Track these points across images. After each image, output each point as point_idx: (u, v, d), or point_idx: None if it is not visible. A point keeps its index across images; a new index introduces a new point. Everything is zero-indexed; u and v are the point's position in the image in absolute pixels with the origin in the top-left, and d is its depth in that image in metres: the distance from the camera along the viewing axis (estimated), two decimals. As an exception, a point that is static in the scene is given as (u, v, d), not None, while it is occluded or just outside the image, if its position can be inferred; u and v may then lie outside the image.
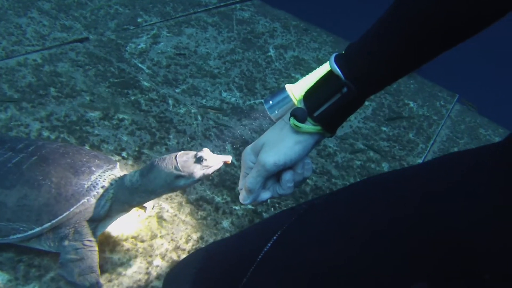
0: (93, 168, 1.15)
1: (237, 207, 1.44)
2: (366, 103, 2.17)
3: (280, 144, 0.81)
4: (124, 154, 1.51)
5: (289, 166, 0.83)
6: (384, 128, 2.05)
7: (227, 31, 2.44)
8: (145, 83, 1.87)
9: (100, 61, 1.92)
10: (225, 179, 1.52)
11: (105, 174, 1.15)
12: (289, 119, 0.80)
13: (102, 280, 1.13)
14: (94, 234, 1.13)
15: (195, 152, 1.07)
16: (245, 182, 0.85)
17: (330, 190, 1.62)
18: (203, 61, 2.13)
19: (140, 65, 1.97)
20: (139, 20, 2.30)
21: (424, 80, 2.54)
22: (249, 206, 1.46)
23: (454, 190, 0.72)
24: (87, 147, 1.48)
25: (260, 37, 2.48)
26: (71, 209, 1.08)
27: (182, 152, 1.09)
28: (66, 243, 1.08)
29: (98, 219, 1.14)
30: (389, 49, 0.74)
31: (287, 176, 0.84)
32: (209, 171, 1.08)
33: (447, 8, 0.67)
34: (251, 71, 2.16)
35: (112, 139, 1.55)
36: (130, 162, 1.48)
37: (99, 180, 1.13)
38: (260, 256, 0.81)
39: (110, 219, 1.16)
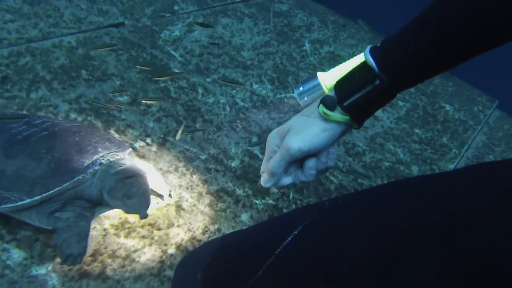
0: (99, 149, 1.15)
1: (257, 201, 1.42)
2: (400, 103, 2.12)
3: (307, 130, 0.81)
4: (148, 140, 1.51)
5: (313, 153, 0.82)
6: (417, 130, 1.99)
7: (263, 23, 2.41)
8: (176, 71, 1.86)
9: (134, 46, 1.92)
10: (248, 172, 1.50)
11: (109, 155, 1.15)
12: (319, 106, 0.79)
13: (115, 264, 1.13)
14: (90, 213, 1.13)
15: (139, 188, 1.11)
16: (268, 165, 0.85)
17: (355, 190, 1.58)
18: (236, 52, 2.12)
19: (173, 52, 1.97)
20: (175, 7, 2.29)
21: (462, 83, 2.46)
22: (270, 201, 1.43)
23: (483, 207, 0.69)
24: (112, 131, 1.48)
25: (296, 30, 2.45)
26: (64, 185, 1.07)
27: (132, 180, 1.12)
28: (58, 214, 1.08)
29: (92, 200, 1.13)
30: (425, 45, 0.72)
31: (311, 163, 0.83)
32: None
33: (489, 5, 0.65)
34: (284, 64, 2.13)
35: (138, 125, 1.55)
36: (154, 148, 1.48)
37: (100, 159, 1.13)
38: (279, 250, 0.80)
39: (107, 206, 1.16)
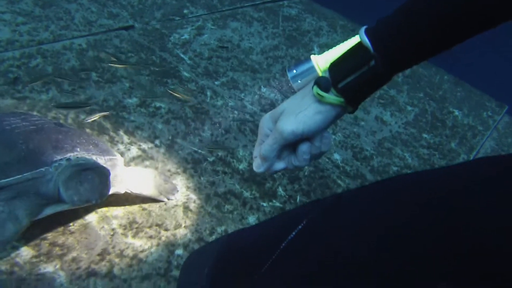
0: (77, 149, 1.12)
1: (264, 204, 1.42)
2: (409, 108, 2.12)
3: (300, 113, 0.79)
4: (157, 142, 1.52)
5: (307, 137, 0.81)
6: (425, 135, 1.98)
7: (272, 27, 2.42)
8: (185, 74, 1.87)
9: (143, 49, 1.94)
10: (255, 175, 1.51)
11: (84, 154, 1.11)
12: (312, 87, 0.78)
13: (122, 264, 1.14)
14: (37, 211, 1.08)
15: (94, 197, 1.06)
16: (261, 149, 0.83)
17: (363, 194, 1.58)
18: (245, 55, 2.13)
19: (182, 55, 1.98)
20: (185, 11, 2.31)
21: (472, 88, 2.45)
22: (277, 204, 1.44)
23: (484, 191, 0.68)
24: (121, 132, 1.50)
25: (305, 35, 2.46)
26: (25, 174, 1.03)
27: (88, 171, 1.06)
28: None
29: (47, 196, 1.08)
30: (421, 26, 0.71)
31: (304, 147, 0.82)
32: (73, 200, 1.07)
33: None
34: (292, 69, 2.13)
35: (147, 126, 1.56)
36: (162, 150, 1.49)
37: (71, 156, 1.09)
38: (283, 244, 0.80)
39: (60, 204, 1.10)
